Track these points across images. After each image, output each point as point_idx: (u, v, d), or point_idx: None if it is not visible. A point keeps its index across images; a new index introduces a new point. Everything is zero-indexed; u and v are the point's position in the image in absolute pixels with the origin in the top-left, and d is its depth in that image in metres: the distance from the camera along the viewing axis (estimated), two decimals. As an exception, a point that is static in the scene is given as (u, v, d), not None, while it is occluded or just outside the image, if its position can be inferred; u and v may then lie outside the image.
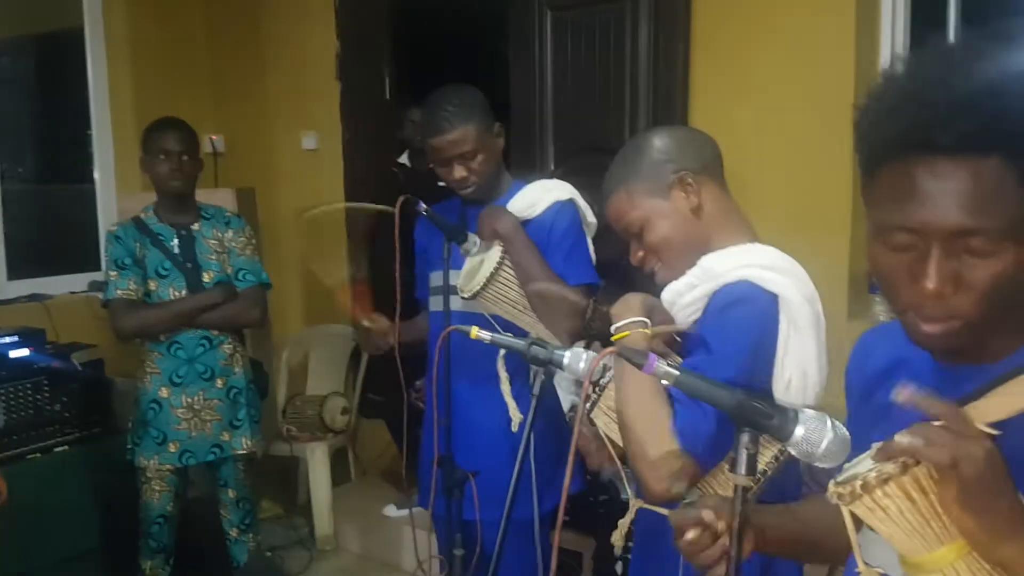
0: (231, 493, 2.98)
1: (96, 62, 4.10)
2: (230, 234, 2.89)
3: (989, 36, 0.85)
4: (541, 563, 2.08)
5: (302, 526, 3.96)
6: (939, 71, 0.84)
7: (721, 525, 1.02)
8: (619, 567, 2.72)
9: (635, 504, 1.55)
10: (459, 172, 2.12)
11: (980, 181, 0.81)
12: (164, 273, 2.79)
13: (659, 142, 1.51)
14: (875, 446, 0.81)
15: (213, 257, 2.85)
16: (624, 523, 1.56)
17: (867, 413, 1.02)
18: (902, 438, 0.76)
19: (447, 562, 1.98)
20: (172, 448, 2.81)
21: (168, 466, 2.83)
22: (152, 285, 2.78)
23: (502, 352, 2.00)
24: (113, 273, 2.77)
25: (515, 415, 2.09)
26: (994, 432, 0.79)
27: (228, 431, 2.88)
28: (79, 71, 4.11)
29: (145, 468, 2.84)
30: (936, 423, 0.78)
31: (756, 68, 2.90)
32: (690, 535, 1.02)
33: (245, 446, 2.91)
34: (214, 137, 4.46)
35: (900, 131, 0.85)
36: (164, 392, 2.81)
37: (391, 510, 3.73)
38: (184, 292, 2.78)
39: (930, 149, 0.82)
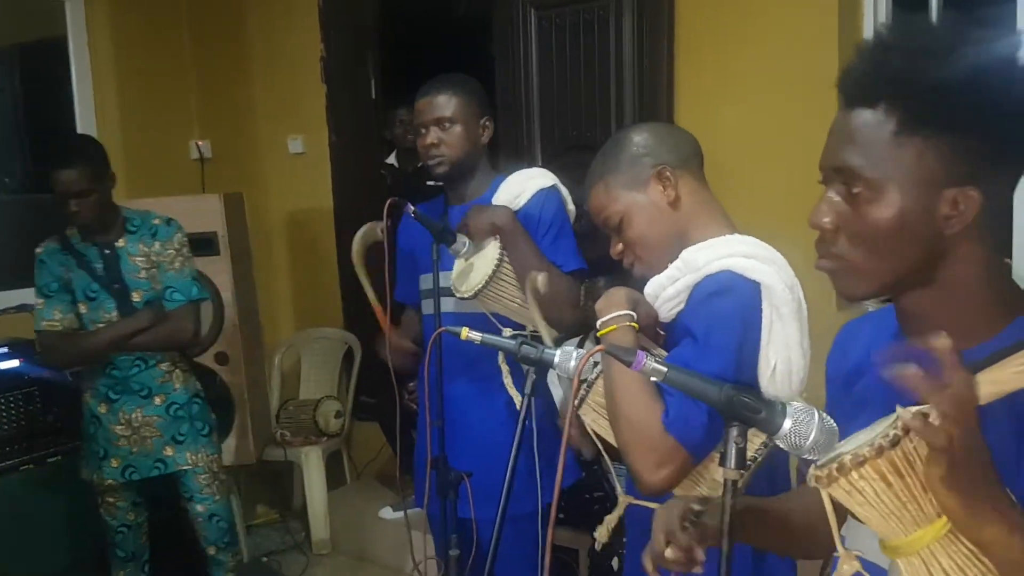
0: (199, 507, 2.87)
1: (80, 70, 4.08)
2: (157, 246, 2.71)
3: (946, 18, 0.90)
4: (536, 559, 2.08)
5: (298, 530, 3.96)
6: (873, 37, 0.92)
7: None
8: (615, 563, 2.73)
9: (624, 500, 1.56)
10: (431, 138, 2.13)
11: (861, 125, 0.88)
12: (92, 296, 2.66)
13: (638, 137, 1.53)
14: (872, 426, 0.81)
15: (142, 275, 2.69)
16: (611, 519, 1.57)
17: (848, 402, 1.03)
18: (904, 413, 0.76)
19: (443, 563, 1.98)
20: (114, 464, 2.74)
21: (111, 481, 2.75)
22: (83, 308, 2.66)
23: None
24: (40, 302, 2.66)
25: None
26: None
27: (171, 446, 2.78)
28: (63, 80, 4.10)
29: (91, 483, 2.77)
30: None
31: (740, 63, 2.91)
32: (669, 553, 1.04)
33: (190, 461, 2.80)
34: (200, 142, 4.45)
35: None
36: (102, 408, 2.74)
37: (387, 512, 3.73)
38: (115, 315, 2.66)
39: (846, 100, 0.91)
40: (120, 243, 2.69)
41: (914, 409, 0.77)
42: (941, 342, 0.74)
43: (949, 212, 0.86)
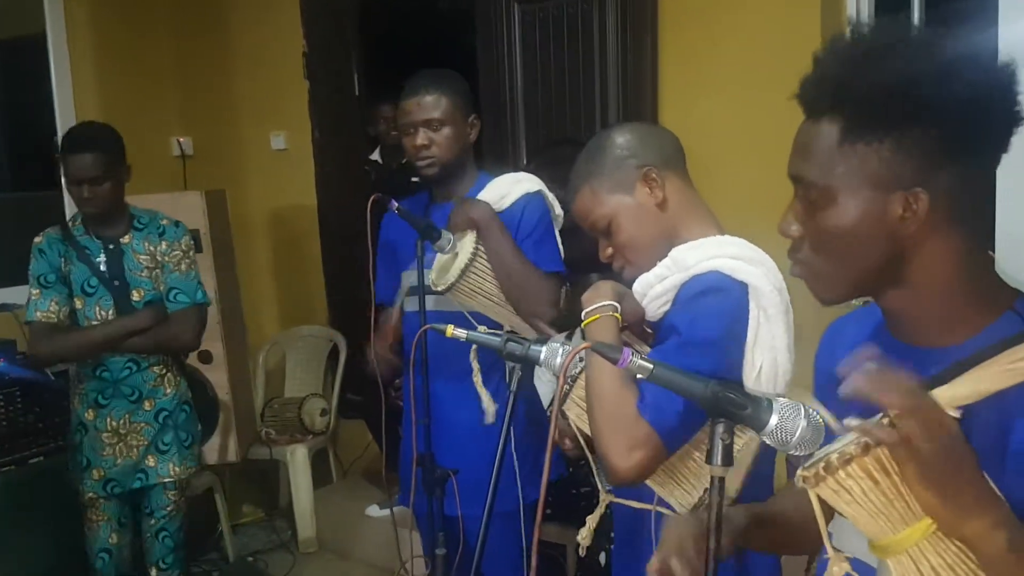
0: (151, 522, 2.69)
1: (59, 67, 4.03)
2: (164, 246, 2.62)
3: (893, 24, 0.91)
4: (522, 555, 2.08)
5: (284, 529, 3.95)
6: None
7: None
8: (602, 558, 2.73)
9: (605, 499, 1.55)
10: (421, 139, 2.11)
11: (812, 136, 0.91)
12: (90, 291, 2.56)
13: (621, 138, 1.52)
14: (848, 422, 0.82)
15: (144, 273, 2.60)
16: (592, 519, 1.56)
17: (835, 401, 1.03)
18: (852, 420, 0.77)
19: (430, 561, 1.98)
20: (96, 475, 2.61)
21: (92, 494, 2.62)
22: (78, 303, 2.56)
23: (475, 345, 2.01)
24: (35, 291, 2.55)
25: (489, 406, 2.10)
26: (956, 415, 0.80)
27: (154, 455, 2.65)
28: (43, 77, 4.05)
29: (79, 495, 2.64)
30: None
31: (724, 57, 2.90)
32: (676, 566, 1.03)
33: (172, 473, 2.66)
34: (182, 139, 4.41)
35: None
36: (90, 414, 2.61)
37: (374, 510, 3.71)
38: (111, 312, 2.55)
39: (804, 110, 0.93)
40: (125, 239, 2.61)
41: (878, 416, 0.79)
42: (848, 389, 0.78)
43: (902, 214, 0.87)
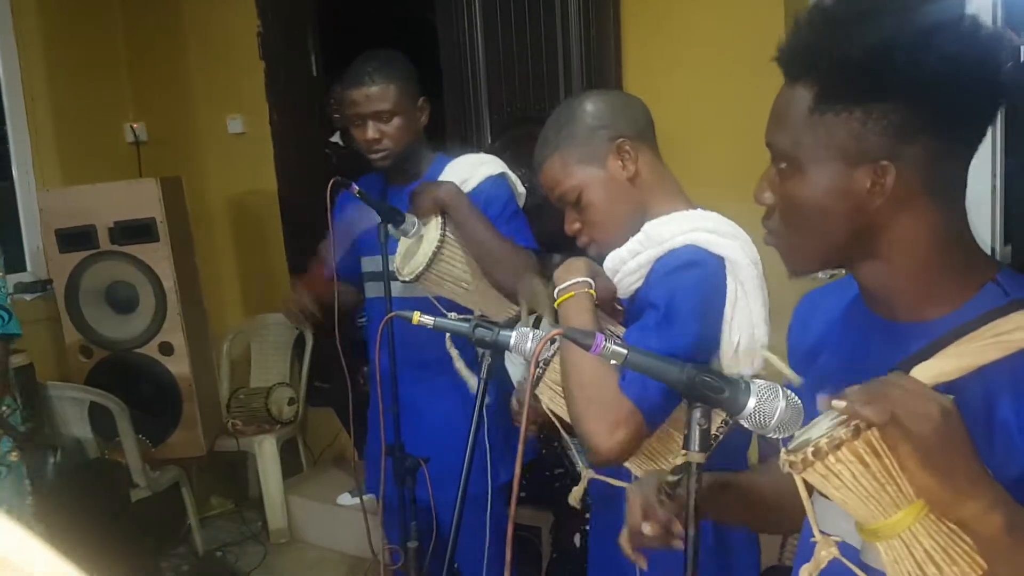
0: None
1: (7, 54, 3.89)
2: None
3: None
4: (494, 538, 2.05)
5: (254, 520, 3.89)
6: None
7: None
8: (577, 539, 2.73)
9: (587, 474, 1.53)
10: (372, 132, 2.06)
11: (786, 103, 0.89)
12: None
13: (592, 107, 1.47)
14: (824, 409, 0.80)
15: None
16: (578, 490, 1.53)
17: (810, 377, 1.01)
18: (840, 401, 0.76)
19: (401, 552, 1.94)
20: None
21: None
22: None
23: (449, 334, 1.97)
24: None
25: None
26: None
27: None
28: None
29: None
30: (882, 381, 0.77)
31: (687, 31, 2.87)
32: (647, 528, 1.01)
33: None
34: (135, 125, 4.29)
35: None
36: None
37: (345, 498, 3.67)
38: None
39: (784, 76, 0.91)
40: None
41: None
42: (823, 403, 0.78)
43: (870, 187, 0.85)
